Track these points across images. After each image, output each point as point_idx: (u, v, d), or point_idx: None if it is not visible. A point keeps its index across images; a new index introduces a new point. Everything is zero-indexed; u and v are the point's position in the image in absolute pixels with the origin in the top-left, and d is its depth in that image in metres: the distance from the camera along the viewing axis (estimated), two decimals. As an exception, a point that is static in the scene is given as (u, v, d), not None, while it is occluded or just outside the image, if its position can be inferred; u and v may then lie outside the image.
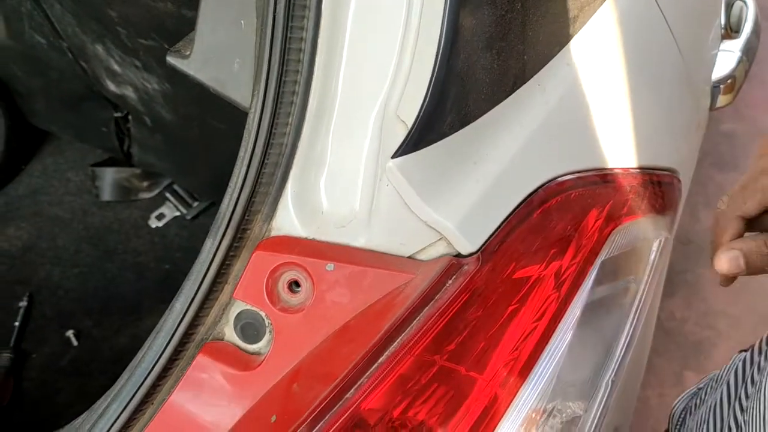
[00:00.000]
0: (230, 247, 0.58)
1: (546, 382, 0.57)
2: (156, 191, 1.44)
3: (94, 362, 1.21)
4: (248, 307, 0.59)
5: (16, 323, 1.24)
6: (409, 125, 0.55)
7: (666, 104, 0.79)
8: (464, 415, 0.54)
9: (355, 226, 0.57)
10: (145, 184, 1.43)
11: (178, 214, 1.41)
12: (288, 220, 0.58)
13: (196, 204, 1.41)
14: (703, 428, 0.75)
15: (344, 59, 0.56)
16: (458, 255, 0.56)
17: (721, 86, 0.97)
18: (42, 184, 1.47)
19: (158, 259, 1.36)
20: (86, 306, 1.29)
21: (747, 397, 0.68)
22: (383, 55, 0.55)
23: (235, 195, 0.58)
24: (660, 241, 0.70)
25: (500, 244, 0.56)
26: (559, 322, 0.57)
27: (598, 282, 0.61)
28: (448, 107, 0.56)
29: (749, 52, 1.02)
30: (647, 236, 0.69)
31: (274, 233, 0.59)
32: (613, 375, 0.63)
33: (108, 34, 1.05)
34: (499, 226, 0.57)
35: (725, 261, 0.50)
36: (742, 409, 0.69)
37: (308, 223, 0.58)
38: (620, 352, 0.64)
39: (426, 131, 0.55)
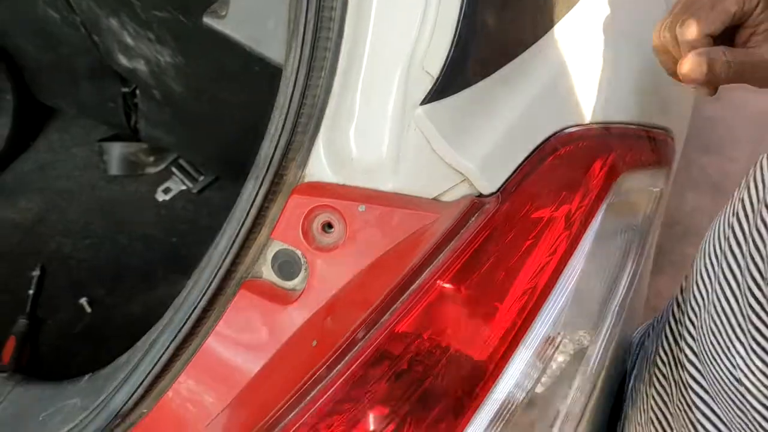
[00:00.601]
0: (269, 191, 0.63)
1: (558, 311, 0.62)
2: (162, 166, 1.48)
3: (107, 329, 1.26)
4: (285, 246, 0.64)
5: (31, 291, 1.28)
6: (435, 76, 0.60)
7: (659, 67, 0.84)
8: (486, 340, 0.59)
9: (382, 171, 0.62)
10: (151, 159, 1.47)
11: (184, 188, 1.45)
12: (320, 167, 0.63)
13: (201, 178, 1.45)
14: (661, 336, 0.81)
15: (372, 18, 0.61)
16: (479, 195, 0.61)
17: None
18: (49, 159, 1.50)
19: (166, 231, 1.40)
20: (98, 275, 1.33)
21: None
22: (409, 13, 0.60)
23: (274, 142, 0.62)
24: (657, 191, 0.76)
25: (517, 187, 0.62)
26: (570, 258, 0.63)
27: (603, 224, 0.66)
28: (470, 61, 0.61)
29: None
30: (646, 186, 0.74)
31: (307, 179, 0.64)
32: (617, 307, 0.69)
33: (123, 7, 1.09)
34: (516, 170, 0.62)
35: (690, 64, 0.54)
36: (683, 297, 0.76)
37: (339, 170, 0.63)
38: (623, 289, 0.70)
39: (449, 82, 0.61)
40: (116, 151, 1.45)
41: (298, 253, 0.63)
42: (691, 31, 0.55)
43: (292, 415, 0.59)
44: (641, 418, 0.82)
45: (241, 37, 0.70)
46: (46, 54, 1.36)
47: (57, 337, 1.24)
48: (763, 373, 0.59)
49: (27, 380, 0.80)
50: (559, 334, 0.64)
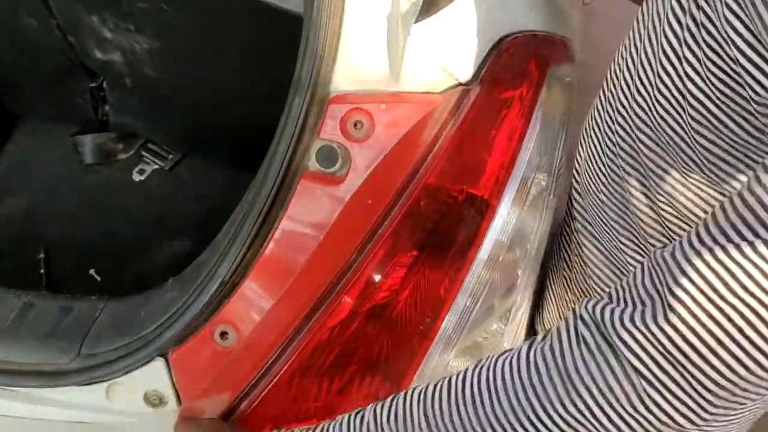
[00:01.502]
0: (309, 104, 0.85)
1: (527, 159, 0.88)
2: (132, 151, 1.64)
3: (119, 292, 1.42)
4: (326, 143, 0.85)
5: (42, 271, 1.43)
6: (419, 4, 0.84)
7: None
8: (487, 179, 0.84)
9: (388, 79, 0.85)
10: (121, 146, 1.63)
11: (156, 167, 1.63)
12: (342, 82, 0.84)
13: (171, 156, 1.63)
14: None
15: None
16: (460, 84, 0.86)
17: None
18: (25, 160, 1.63)
19: (147, 205, 1.57)
20: (98, 251, 1.48)
21: None
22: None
23: (310, 69, 0.84)
24: (570, 79, 1.03)
25: (489, 77, 0.87)
26: (530, 122, 0.89)
27: (545, 100, 0.93)
28: (441, -10, 0.86)
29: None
30: (565, 75, 1.02)
31: (332, 93, 0.86)
32: (560, 156, 0.96)
33: (107, 4, 1.27)
34: (482, 64, 0.88)
35: None
36: None
37: (356, 83, 0.85)
38: (561, 145, 0.97)
39: (429, 7, 0.85)
40: (89, 142, 1.60)
41: (335, 146, 0.85)
42: None
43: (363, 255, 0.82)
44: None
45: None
46: (20, 62, 1.49)
47: (76, 305, 1.39)
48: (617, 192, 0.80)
49: (114, 297, 0.98)
50: (530, 177, 0.90)
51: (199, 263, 0.92)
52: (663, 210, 0.73)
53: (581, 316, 0.59)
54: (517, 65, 0.91)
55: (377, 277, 0.86)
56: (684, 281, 0.52)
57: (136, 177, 1.62)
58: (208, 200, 1.56)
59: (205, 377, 0.89)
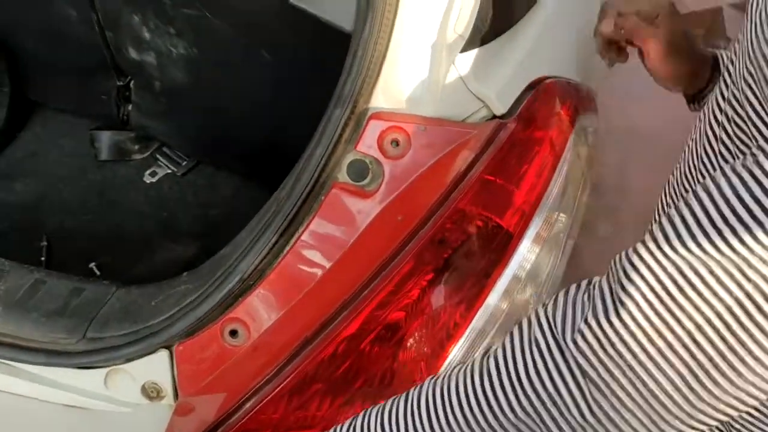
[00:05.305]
0: (348, 117, 0.87)
1: (554, 198, 0.90)
2: (147, 153, 1.65)
3: (117, 289, 1.41)
4: (359, 157, 0.87)
5: (42, 258, 1.42)
6: (465, 37, 0.87)
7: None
8: (513, 212, 0.86)
9: (430, 102, 0.87)
10: (137, 146, 1.64)
11: (169, 171, 1.63)
12: (383, 100, 0.87)
13: (185, 163, 1.64)
14: None
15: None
16: (494, 117, 0.88)
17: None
18: (38, 148, 1.64)
19: (156, 208, 1.57)
20: (100, 245, 1.48)
21: None
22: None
23: (356, 83, 0.86)
24: (594, 128, 1.07)
25: (525, 114, 0.90)
26: (559, 162, 0.91)
27: (574, 142, 0.96)
28: (488, 25, 0.89)
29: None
30: (590, 123, 1.05)
31: (371, 111, 0.88)
32: (579, 199, 0.98)
33: (151, 4, 1.29)
34: (520, 101, 0.90)
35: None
36: None
37: (396, 102, 0.87)
38: (581, 190, 1.00)
39: (475, 39, 0.88)
40: (106, 138, 1.62)
41: (367, 160, 0.86)
42: None
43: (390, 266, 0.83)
44: None
45: (325, 15, 0.94)
46: (52, 51, 1.51)
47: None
48: None
49: (126, 285, 0.98)
50: (552, 215, 0.92)
51: (218, 258, 0.93)
52: None
53: (539, 322, 0.57)
54: (550, 107, 0.94)
55: (393, 299, 0.87)
56: (635, 277, 0.50)
57: (148, 179, 1.62)
58: (216, 209, 1.57)
59: (206, 374, 0.89)
